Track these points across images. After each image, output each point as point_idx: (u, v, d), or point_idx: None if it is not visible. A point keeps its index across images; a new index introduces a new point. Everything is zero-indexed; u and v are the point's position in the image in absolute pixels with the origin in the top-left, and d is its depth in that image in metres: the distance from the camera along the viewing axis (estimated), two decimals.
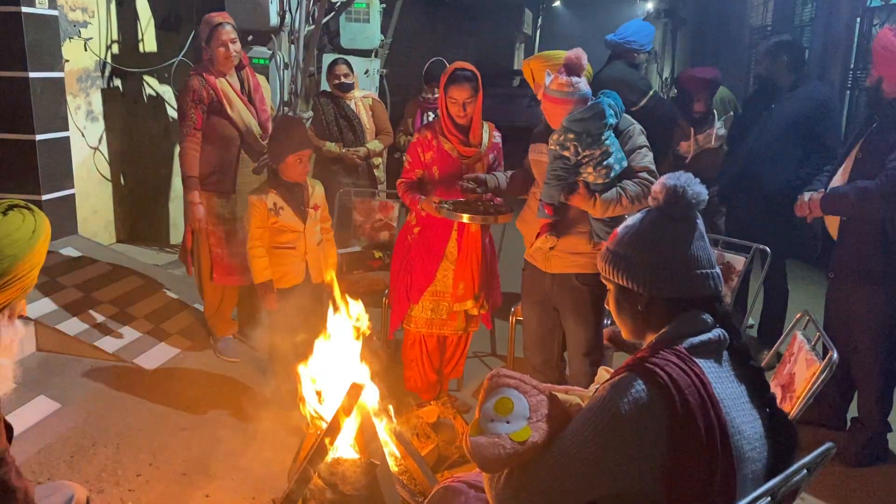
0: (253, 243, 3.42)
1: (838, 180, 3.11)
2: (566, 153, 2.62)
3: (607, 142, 2.62)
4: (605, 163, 2.62)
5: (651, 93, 4.40)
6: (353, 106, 4.92)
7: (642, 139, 2.77)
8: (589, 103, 2.61)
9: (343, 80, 4.85)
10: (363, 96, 5.04)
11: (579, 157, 2.61)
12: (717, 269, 1.56)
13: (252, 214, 3.41)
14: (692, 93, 4.48)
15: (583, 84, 2.62)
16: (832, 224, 3.16)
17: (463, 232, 3.28)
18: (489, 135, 3.34)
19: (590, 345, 2.94)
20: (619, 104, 2.70)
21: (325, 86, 6.11)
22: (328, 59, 6.44)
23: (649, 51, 4.55)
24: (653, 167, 2.76)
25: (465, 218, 3.06)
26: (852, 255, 3.04)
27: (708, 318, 1.52)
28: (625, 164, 2.68)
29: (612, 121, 2.64)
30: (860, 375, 3.15)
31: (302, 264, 3.51)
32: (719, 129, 4.49)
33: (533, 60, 2.94)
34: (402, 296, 3.41)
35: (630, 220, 1.61)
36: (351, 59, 5.43)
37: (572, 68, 2.60)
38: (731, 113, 4.60)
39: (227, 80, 3.82)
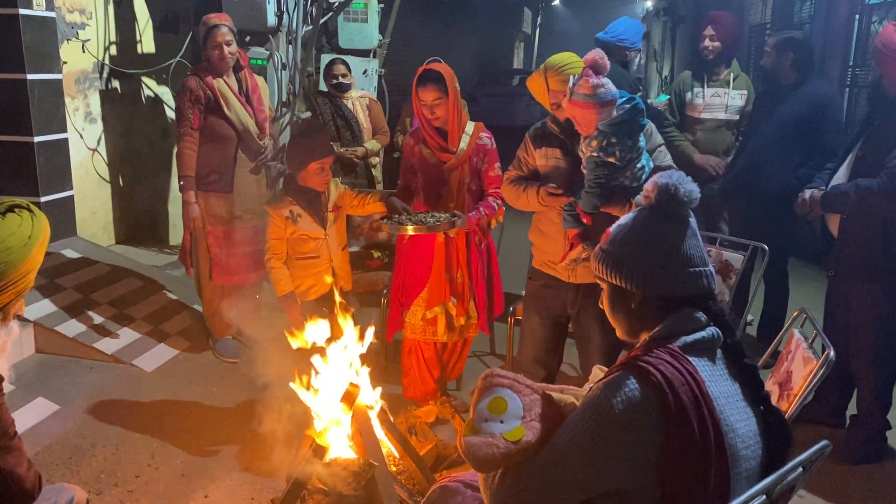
0: (268, 255, 3.30)
1: (840, 178, 3.10)
2: (611, 159, 2.49)
3: (641, 143, 2.57)
4: (639, 165, 2.56)
5: (636, 95, 4.33)
6: (350, 106, 4.93)
7: (660, 137, 2.73)
8: (619, 103, 2.52)
9: (341, 79, 4.86)
10: (360, 96, 5.05)
11: (624, 162, 2.51)
12: (711, 267, 1.56)
13: (268, 225, 3.31)
14: (705, 29, 4.35)
15: (611, 84, 2.52)
16: (833, 222, 3.15)
17: (444, 241, 3.24)
18: (473, 136, 3.24)
19: (613, 353, 2.89)
20: (641, 103, 2.62)
21: (322, 86, 6.12)
22: (326, 59, 6.44)
23: (639, 49, 4.46)
24: (674, 165, 2.72)
25: (410, 230, 3.00)
26: (852, 253, 3.03)
27: (701, 316, 1.52)
28: (651, 164, 2.62)
29: (646, 121, 2.58)
30: (860, 373, 3.15)
31: (328, 273, 3.37)
32: (734, 98, 4.41)
33: (549, 72, 2.74)
34: (397, 301, 3.39)
35: (623, 219, 1.62)
36: (349, 59, 5.44)
37: (599, 69, 2.50)
38: (745, 91, 4.49)
39: (225, 81, 3.83)
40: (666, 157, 2.72)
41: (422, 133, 3.24)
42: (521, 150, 2.94)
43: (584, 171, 2.59)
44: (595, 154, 2.52)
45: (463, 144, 3.22)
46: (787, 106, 3.90)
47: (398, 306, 3.40)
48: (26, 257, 1.65)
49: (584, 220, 2.63)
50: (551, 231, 2.84)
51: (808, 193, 3.24)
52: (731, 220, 4.49)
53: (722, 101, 4.47)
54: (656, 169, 2.62)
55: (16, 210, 1.68)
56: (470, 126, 3.27)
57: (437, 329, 3.33)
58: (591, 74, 2.48)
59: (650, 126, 2.70)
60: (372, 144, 4.94)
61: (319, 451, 2.44)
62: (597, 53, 2.52)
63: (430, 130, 3.19)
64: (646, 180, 2.55)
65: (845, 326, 3.12)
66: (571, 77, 2.56)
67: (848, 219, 3.05)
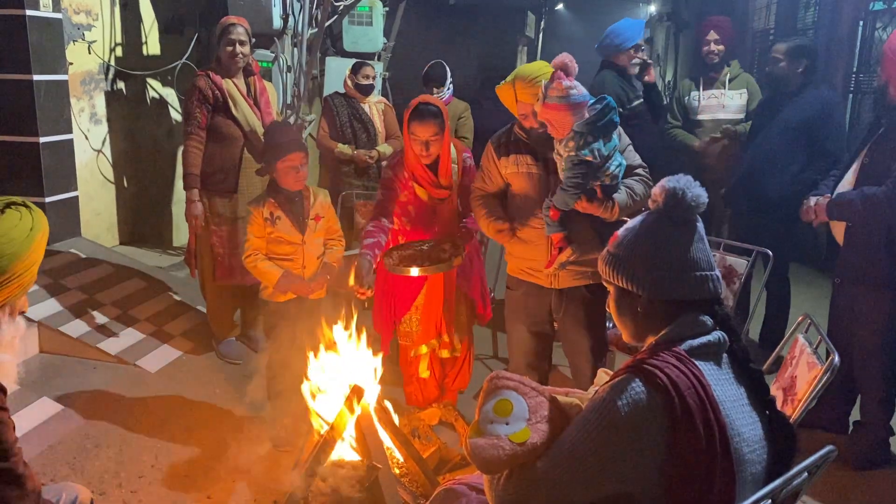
0: (247, 252, 3.28)
1: (845, 185, 3.08)
2: (589, 158, 2.50)
3: (615, 141, 2.59)
4: (616, 163, 2.58)
5: (634, 104, 4.29)
6: (367, 109, 4.96)
7: (626, 137, 2.75)
8: (590, 103, 2.53)
9: (371, 81, 4.90)
10: (377, 101, 5.08)
11: (601, 161, 2.52)
12: (717, 272, 1.57)
13: (249, 223, 3.31)
14: (707, 34, 4.46)
15: (581, 86, 2.54)
16: (838, 229, 3.14)
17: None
18: (459, 163, 3.16)
19: (600, 353, 2.90)
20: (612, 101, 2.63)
21: (329, 88, 6.14)
22: (331, 62, 6.47)
23: (629, 47, 4.37)
24: (644, 164, 2.76)
25: (415, 271, 2.89)
26: (857, 260, 3.02)
27: (707, 320, 1.52)
28: (625, 163, 2.65)
29: (618, 119, 2.60)
30: (864, 379, 3.14)
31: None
32: (731, 97, 4.45)
33: (518, 83, 2.70)
34: (388, 317, 3.31)
35: (630, 223, 1.62)
36: (353, 62, 5.45)
37: (569, 70, 2.53)
38: (745, 90, 4.56)
39: (234, 83, 3.86)
40: (636, 157, 2.75)
41: (410, 169, 3.11)
42: (484, 158, 2.89)
43: (562, 172, 2.59)
44: (572, 154, 2.53)
45: (455, 176, 3.15)
46: (790, 111, 3.90)
47: (389, 322, 3.31)
48: (29, 249, 1.67)
49: (552, 215, 2.63)
50: (532, 237, 2.79)
51: (813, 200, 3.24)
52: (734, 226, 4.49)
53: (719, 101, 4.55)
54: (628, 168, 2.66)
55: (12, 206, 1.71)
56: (453, 152, 3.16)
57: (419, 366, 3.33)
58: (562, 77, 2.50)
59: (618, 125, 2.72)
60: (384, 148, 4.95)
61: (323, 451, 2.44)
62: (565, 57, 2.54)
63: (422, 170, 3.07)
64: (622, 178, 2.60)
65: (850, 332, 3.11)
66: (545, 81, 2.56)
67: (853, 226, 3.04)
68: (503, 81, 2.76)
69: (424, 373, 3.34)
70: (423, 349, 3.32)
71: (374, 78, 4.92)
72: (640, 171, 2.73)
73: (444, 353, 3.33)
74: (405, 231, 3.26)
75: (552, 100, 2.50)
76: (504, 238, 2.84)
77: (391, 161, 3.25)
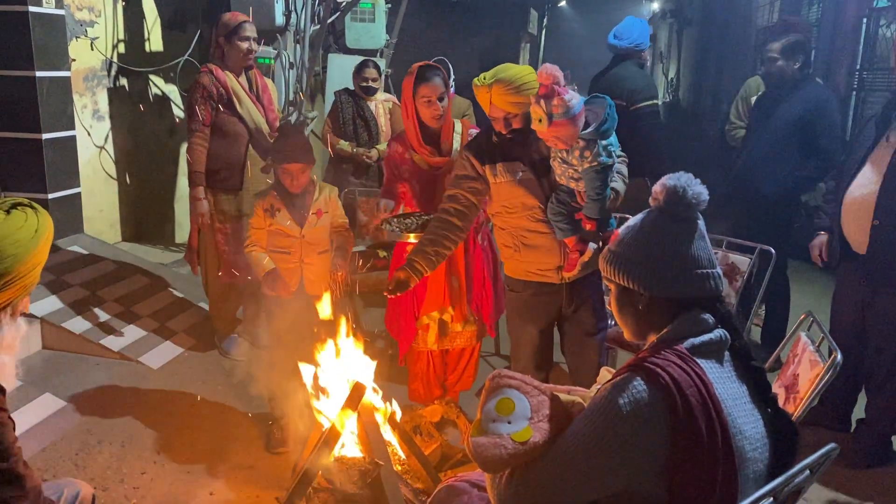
0: (247, 243, 3.36)
1: (868, 185, 2.94)
2: (611, 162, 2.47)
3: (613, 136, 2.57)
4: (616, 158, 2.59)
5: (651, 101, 4.28)
6: (372, 108, 4.96)
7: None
8: (586, 106, 2.46)
9: (371, 83, 4.90)
10: (384, 100, 5.08)
11: (615, 158, 2.52)
12: (719, 269, 1.56)
13: (253, 215, 3.39)
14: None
15: (573, 92, 2.44)
16: (856, 231, 3.03)
17: None
18: (463, 135, 3.13)
19: (602, 348, 2.88)
20: (609, 99, 2.59)
21: (331, 85, 6.13)
22: (333, 58, 6.47)
23: (649, 46, 4.44)
24: (624, 155, 2.74)
25: (412, 237, 2.88)
26: (886, 260, 2.91)
27: (709, 318, 1.52)
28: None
29: (616, 115, 2.54)
30: (874, 378, 3.09)
31: (297, 273, 3.35)
32: None
33: (496, 86, 2.55)
34: (410, 313, 3.25)
35: (631, 221, 1.62)
36: (356, 59, 5.44)
37: (561, 81, 2.41)
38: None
39: (236, 79, 3.86)
40: (615, 138, 2.72)
41: (408, 140, 3.11)
42: (461, 168, 2.75)
43: (561, 177, 2.56)
44: (595, 163, 2.46)
45: (456, 145, 3.12)
46: (785, 108, 3.88)
47: (412, 318, 3.25)
48: (34, 250, 1.67)
49: (589, 227, 2.56)
50: (542, 242, 2.71)
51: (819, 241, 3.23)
52: (731, 223, 4.46)
53: None
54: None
55: (19, 207, 1.71)
56: (458, 125, 3.15)
57: (427, 337, 3.26)
58: (563, 91, 2.40)
59: None
60: (385, 147, 4.95)
61: (325, 448, 2.44)
62: (552, 68, 2.40)
63: (418, 138, 3.06)
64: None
65: (859, 331, 3.07)
66: (544, 101, 2.41)
67: (881, 225, 2.91)
68: (480, 79, 2.61)
69: (433, 345, 3.25)
70: (434, 315, 3.23)
71: (373, 80, 4.90)
72: (616, 150, 2.71)
73: (458, 327, 3.25)
74: (411, 207, 3.24)
75: (559, 117, 2.38)
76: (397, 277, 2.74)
77: (389, 143, 3.29)
